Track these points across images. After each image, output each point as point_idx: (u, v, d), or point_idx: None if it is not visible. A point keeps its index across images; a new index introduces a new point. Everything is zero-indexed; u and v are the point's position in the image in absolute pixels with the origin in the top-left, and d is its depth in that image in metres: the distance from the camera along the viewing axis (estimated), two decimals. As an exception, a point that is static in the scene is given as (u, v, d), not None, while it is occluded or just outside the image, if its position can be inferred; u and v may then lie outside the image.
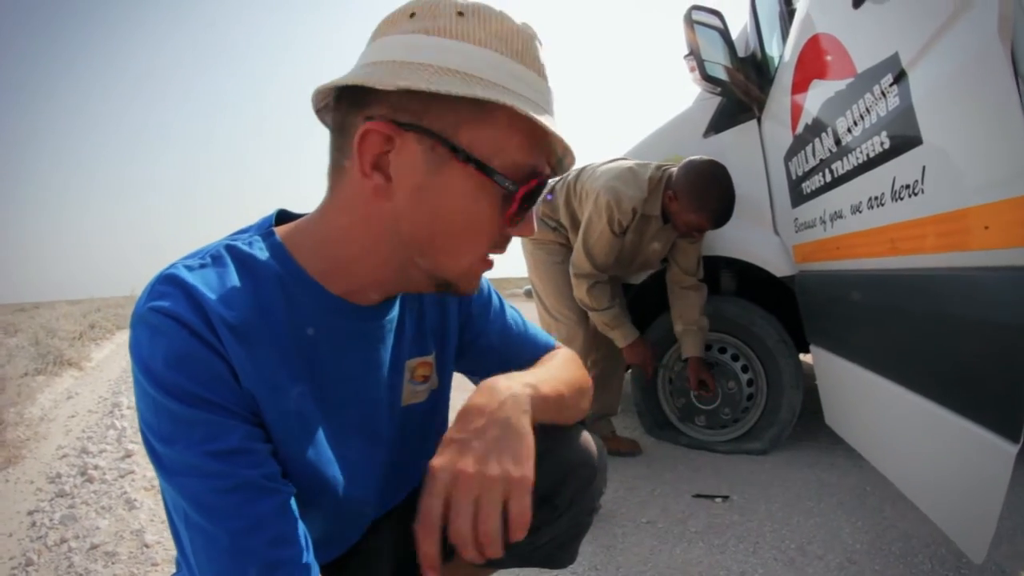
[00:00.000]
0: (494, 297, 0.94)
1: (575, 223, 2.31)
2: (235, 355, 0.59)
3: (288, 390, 0.64)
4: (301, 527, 0.61)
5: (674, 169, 2.11)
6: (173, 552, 1.76)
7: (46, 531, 1.99)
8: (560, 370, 0.85)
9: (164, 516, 2.10)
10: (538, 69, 0.62)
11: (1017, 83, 0.82)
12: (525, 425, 0.67)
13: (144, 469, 2.61)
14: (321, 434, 0.69)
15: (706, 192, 2.00)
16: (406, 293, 0.79)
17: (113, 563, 1.76)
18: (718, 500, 2.02)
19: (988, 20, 0.83)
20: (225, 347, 0.58)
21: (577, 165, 2.31)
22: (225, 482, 0.56)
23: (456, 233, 0.63)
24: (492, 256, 0.68)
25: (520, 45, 0.60)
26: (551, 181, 2.33)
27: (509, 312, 0.95)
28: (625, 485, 2.18)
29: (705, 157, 2.09)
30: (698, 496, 2.06)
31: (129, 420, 3.53)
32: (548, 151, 0.65)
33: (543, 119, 0.59)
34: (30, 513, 2.17)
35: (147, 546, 1.85)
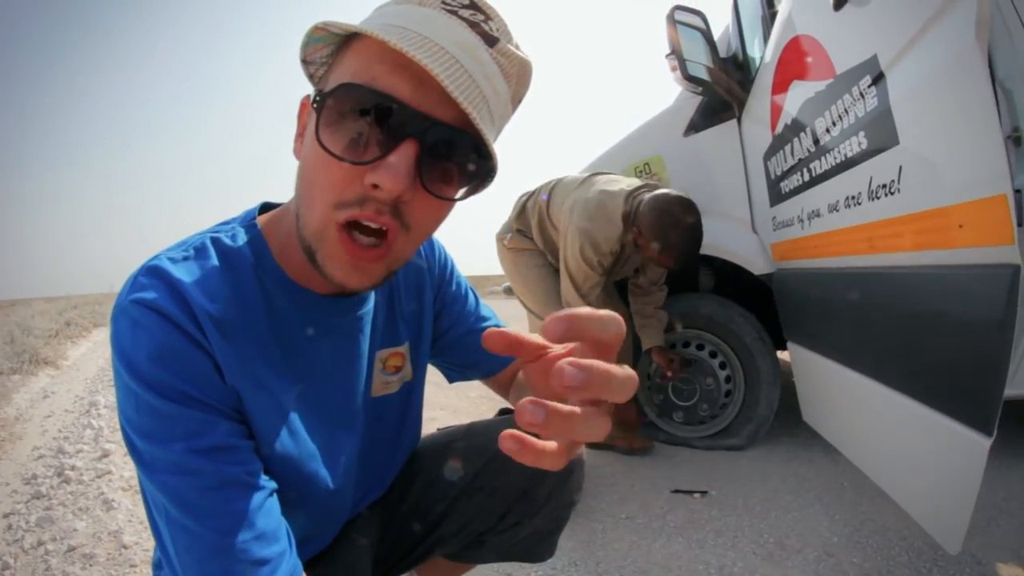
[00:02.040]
0: (470, 293, 0.95)
1: (548, 245, 2.31)
2: (219, 350, 0.58)
3: (271, 385, 0.64)
4: (284, 524, 0.61)
5: (645, 196, 2.02)
6: (151, 553, 1.73)
7: (23, 534, 1.94)
8: None
9: (142, 516, 2.05)
10: (424, 2, 0.56)
11: (993, 86, 0.84)
12: None
13: (121, 469, 2.56)
14: (302, 429, 0.69)
15: (668, 234, 1.91)
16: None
17: (91, 565, 1.72)
18: (696, 495, 2.04)
19: (966, 24, 0.85)
20: (209, 341, 0.58)
21: (555, 176, 2.26)
22: (209, 479, 0.55)
23: (307, 178, 0.58)
24: (361, 219, 0.56)
25: None
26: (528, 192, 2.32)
27: (483, 308, 0.96)
28: (604, 481, 2.19)
29: (673, 194, 1.99)
30: (677, 491, 2.08)
31: (106, 419, 3.45)
32: (411, 75, 0.53)
33: (383, 35, 0.51)
34: (6, 516, 2.11)
35: (125, 547, 1.81)
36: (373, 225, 0.56)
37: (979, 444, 0.93)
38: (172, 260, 0.60)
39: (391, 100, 0.52)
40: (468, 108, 0.52)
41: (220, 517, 0.55)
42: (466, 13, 0.56)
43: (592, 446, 2.53)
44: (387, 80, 0.53)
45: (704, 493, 2.05)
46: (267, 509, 0.59)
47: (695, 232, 1.95)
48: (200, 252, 0.63)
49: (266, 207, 0.74)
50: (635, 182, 2.12)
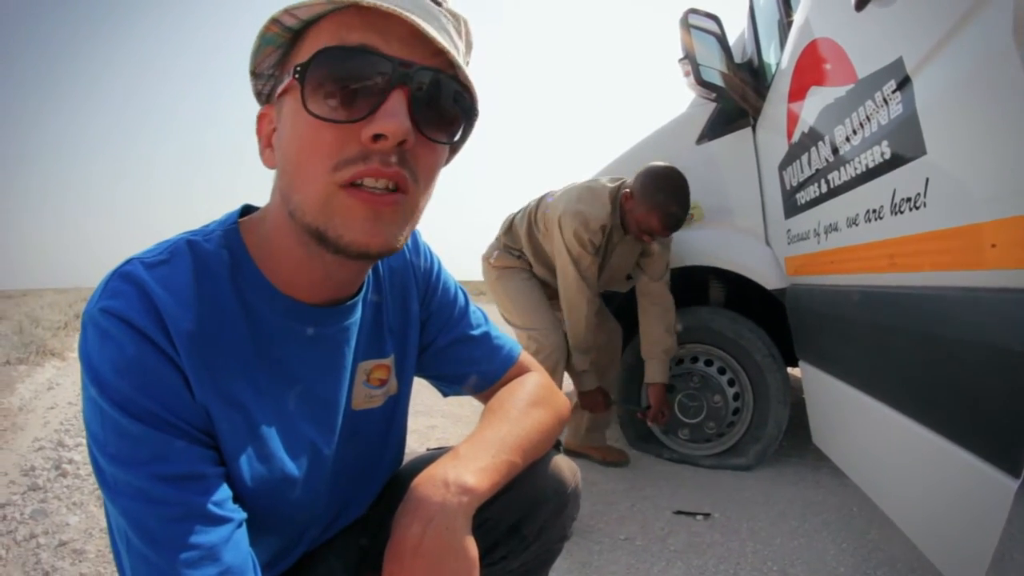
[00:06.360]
0: (460, 297, 0.90)
1: (537, 254, 2.30)
2: (190, 364, 0.55)
3: (245, 400, 0.61)
4: (251, 556, 0.57)
5: (630, 179, 2.12)
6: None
7: (16, 525, 1.93)
8: (518, 422, 0.77)
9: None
10: None
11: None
12: (460, 541, 0.62)
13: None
14: (277, 448, 0.65)
15: (659, 191, 1.99)
16: (366, 292, 0.75)
17: (80, 561, 1.70)
18: (699, 518, 1.97)
19: (1002, 24, 0.77)
20: (180, 355, 0.55)
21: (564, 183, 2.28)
22: (173, 510, 0.52)
23: (295, 160, 0.56)
24: (366, 179, 0.54)
25: None
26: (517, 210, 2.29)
27: (474, 314, 0.90)
28: (603, 499, 2.12)
29: (664, 163, 2.08)
30: (679, 513, 2.01)
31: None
32: (385, 32, 0.54)
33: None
34: (1, 507, 2.10)
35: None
36: (380, 184, 0.55)
37: (1005, 485, 0.85)
38: (146, 265, 0.57)
39: (372, 53, 0.53)
40: (445, 45, 0.53)
41: (184, 550, 0.51)
42: None
43: (567, 453, 2.49)
44: (361, 37, 0.53)
45: (707, 516, 1.98)
46: (234, 542, 0.55)
47: (683, 193, 2.02)
48: (176, 256, 0.59)
49: (248, 210, 0.70)
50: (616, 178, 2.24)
